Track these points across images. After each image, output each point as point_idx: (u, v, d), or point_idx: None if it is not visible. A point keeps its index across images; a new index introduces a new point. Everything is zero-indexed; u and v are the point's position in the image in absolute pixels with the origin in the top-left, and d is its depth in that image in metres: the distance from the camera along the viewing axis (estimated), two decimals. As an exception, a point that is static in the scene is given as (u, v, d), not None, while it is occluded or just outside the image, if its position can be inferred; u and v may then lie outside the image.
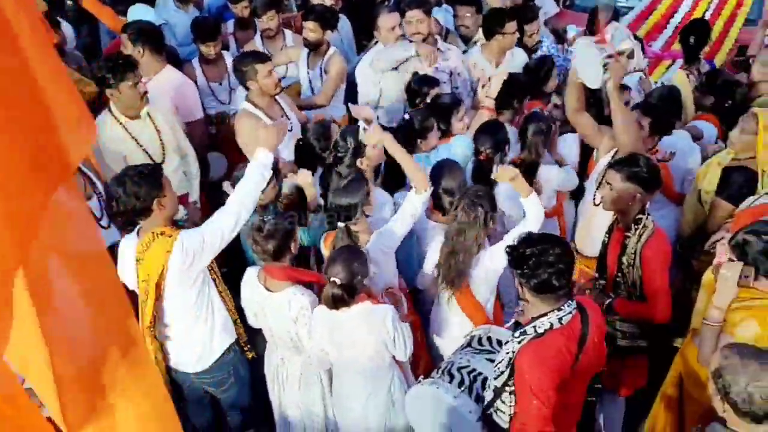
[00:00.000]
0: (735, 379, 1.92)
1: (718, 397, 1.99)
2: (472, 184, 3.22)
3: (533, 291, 2.18)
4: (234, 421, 3.09)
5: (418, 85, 3.75)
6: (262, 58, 3.57)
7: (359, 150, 3.19)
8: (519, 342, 2.22)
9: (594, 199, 3.25)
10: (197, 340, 2.78)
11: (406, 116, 3.52)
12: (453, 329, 2.96)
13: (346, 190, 2.91)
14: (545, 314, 2.22)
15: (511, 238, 2.59)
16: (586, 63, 3.07)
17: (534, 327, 2.22)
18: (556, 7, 5.79)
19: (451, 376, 2.41)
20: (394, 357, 2.68)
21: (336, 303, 2.55)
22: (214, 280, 2.81)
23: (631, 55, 3.16)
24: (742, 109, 3.43)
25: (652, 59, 4.76)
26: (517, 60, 4.24)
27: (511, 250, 2.20)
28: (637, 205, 2.76)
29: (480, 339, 2.55)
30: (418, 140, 3.46)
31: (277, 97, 3.62)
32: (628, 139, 3.06)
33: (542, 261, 2.13)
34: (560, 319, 2.21)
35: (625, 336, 2.93)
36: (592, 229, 3.25)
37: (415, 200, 2.94)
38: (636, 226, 2.77)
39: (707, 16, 5.04)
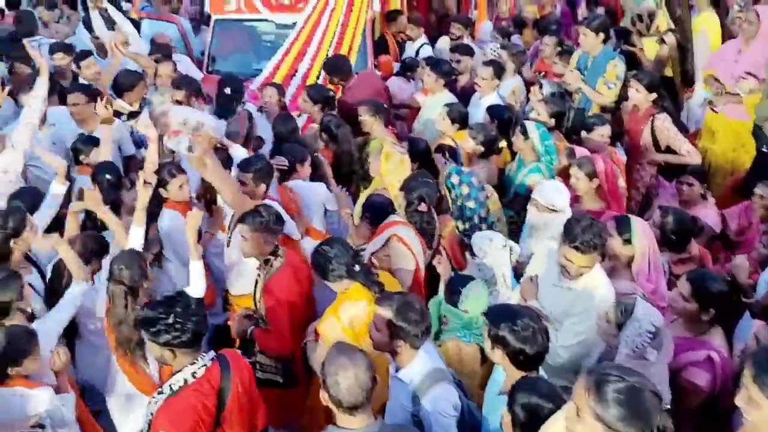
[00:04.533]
0: (329, 370, 2.30)
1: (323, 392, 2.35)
2: None
3: (165, 346, 2.55)
4: None
5: None
6: None
7: (18, 233, 3.48)
8: (156, 403, 2.51)
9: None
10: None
11: None
12: None
13: None
14: (180, 370, 2.57)
15: None
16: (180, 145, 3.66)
17: (170, 385, 2.56)
18: None
19: None
20: None
21: None
22: None
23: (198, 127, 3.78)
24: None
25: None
26: None
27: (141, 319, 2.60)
28: (267, 247, 3.40)
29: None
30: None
31: None
32: (231, 198, 3.71)
33: (166, 322, 2.52)
34: (193, 374, 2.57)
35: (261, 368, 3.45)
36: (233, 270, 3.90)
37: (77, 291, 3.26)
38: (266, 266, 3.43)
39: (322, 76, 6.16)
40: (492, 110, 5.06)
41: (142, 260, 3.28)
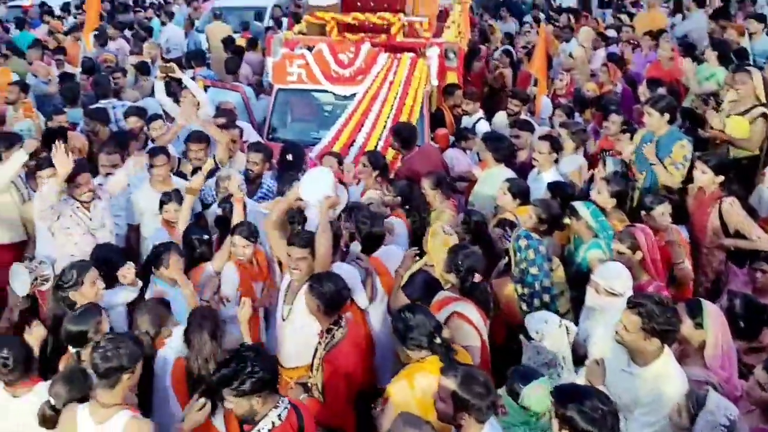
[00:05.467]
0: None
1: None
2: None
3: (252, 393, 2.80)
4: None
5: None
6: None
7: (74, 286, 3.82)
8: None
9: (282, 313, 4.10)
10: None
11: None
12: None
13: (78, 318, 3.48)
14: (266, 415, 2.84)
15: None
16: (318, 183, 4.09)
17: (258, 430, 2.83)
18: None
19: None
20: None
21: (45, 423, 3.09)
22: None
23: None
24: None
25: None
26: None
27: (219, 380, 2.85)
28: (325, 318, 3.58)
29: None
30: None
31: None
32: (324, 249, 3.90)
33: (246, 371, 2.79)
34: (279, 416, 2.87)
35: None
36: (288, 343, 4.04)
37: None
38: (327, 335, 3.57)
39: (380, 146, 6.63)
40: (554, 186, 5.19)
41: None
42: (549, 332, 3.57)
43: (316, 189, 4.06)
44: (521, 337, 3.70)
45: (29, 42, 10.19)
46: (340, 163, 5.90)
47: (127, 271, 4.22)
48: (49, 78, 8.33)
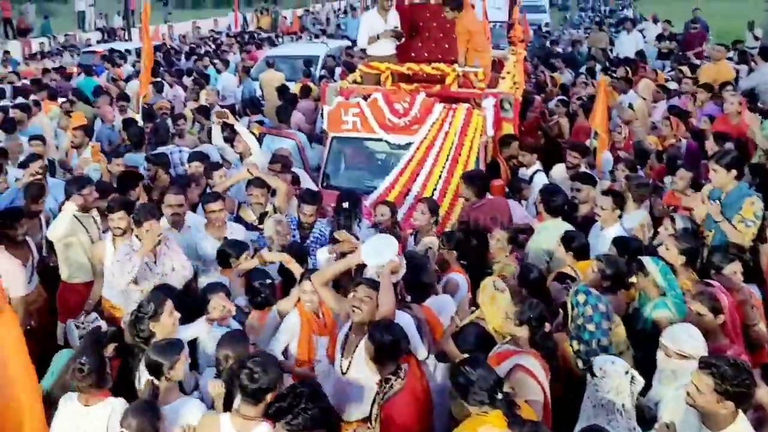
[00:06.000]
0: None
1: None
2: None
3: (305, 430, 2.97)
4: None
5: None
6: None
7: (156, 316, 4.00)
8: None
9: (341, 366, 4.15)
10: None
11: None
12: None
13: (160, 348, 3.66)
14: None
15: None
16: (381, 249, 4.25)
17: None
18: None
19: None
20: None
21: None
22: None
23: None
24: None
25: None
26: None
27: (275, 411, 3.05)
28: (383, 368, 3.70)
29: None
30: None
31: None
32: (386, 308, 4.00)
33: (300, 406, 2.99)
34: None
35: None
36: (349, 396, 4.03)
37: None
38: (385, 385, 3.68)
39: (435, 195, 6.70)
40: (619, 242, 5.13)
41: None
42: (612, 373, 3.54)
43: (380, 255, 4.19)
44: (588, 375, 3.68)
45: (92, 88, 10.76)
46: (393, 213, 5.99)
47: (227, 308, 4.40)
48: (113, 123, 8.79)
